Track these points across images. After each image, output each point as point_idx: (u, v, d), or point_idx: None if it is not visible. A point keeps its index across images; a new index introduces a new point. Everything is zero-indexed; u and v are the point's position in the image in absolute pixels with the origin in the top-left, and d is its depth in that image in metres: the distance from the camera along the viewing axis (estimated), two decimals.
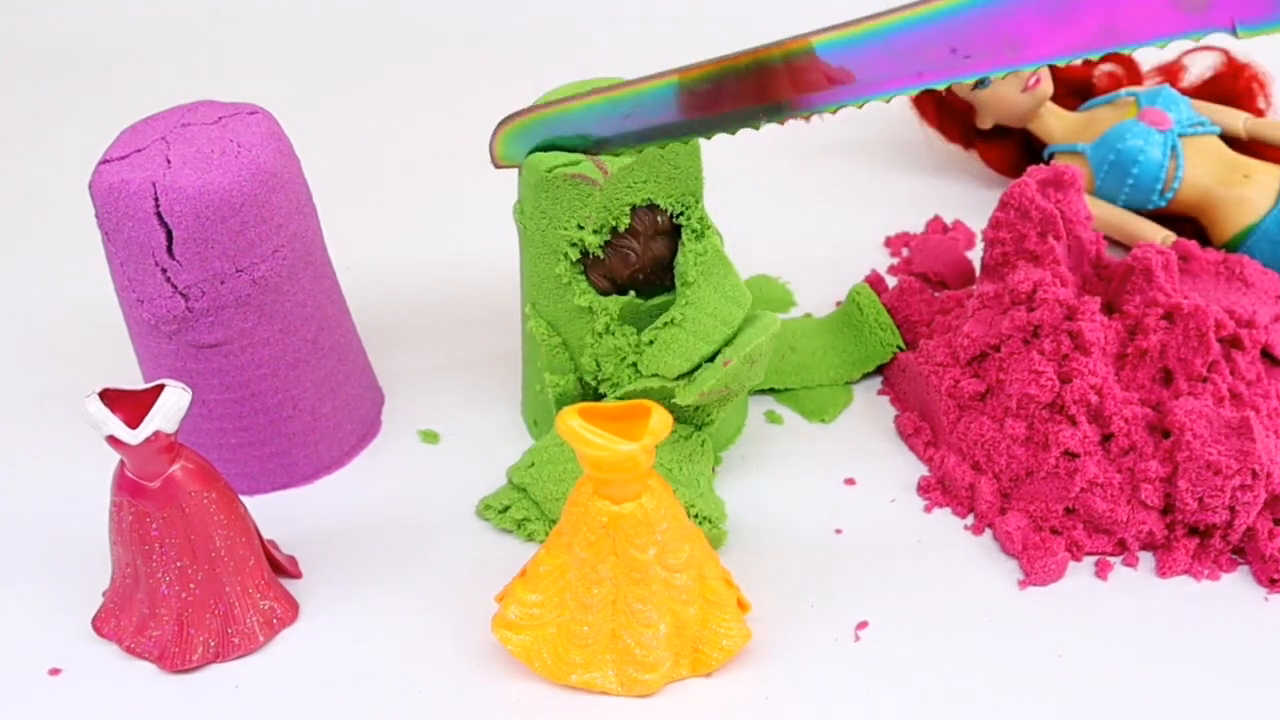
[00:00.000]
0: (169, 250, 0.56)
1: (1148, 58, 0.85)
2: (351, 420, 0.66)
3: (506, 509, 0.61)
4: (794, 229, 0.84)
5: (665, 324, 0.59)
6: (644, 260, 0.60)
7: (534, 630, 0.52)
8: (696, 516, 0.59)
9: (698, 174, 0.60)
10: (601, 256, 0.59)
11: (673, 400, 0.59)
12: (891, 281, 0.77)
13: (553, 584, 0.52)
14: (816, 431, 0.67)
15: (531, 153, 0.59)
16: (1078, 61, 0.45)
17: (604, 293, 0.61)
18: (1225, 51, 0.82)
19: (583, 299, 0.60)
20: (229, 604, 0.54)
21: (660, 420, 0.47)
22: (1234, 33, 0.33)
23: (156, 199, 0.55)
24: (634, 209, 0.59)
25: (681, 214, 0.60)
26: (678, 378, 0.59)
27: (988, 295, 0.64)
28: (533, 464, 0.61)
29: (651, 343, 0.60)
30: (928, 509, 0.61)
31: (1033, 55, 0.46)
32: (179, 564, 0.52)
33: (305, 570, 0.59)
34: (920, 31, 0.48)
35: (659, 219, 0.60)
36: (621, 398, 0.60)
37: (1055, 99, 0.82)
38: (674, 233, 0.61)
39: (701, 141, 0.61)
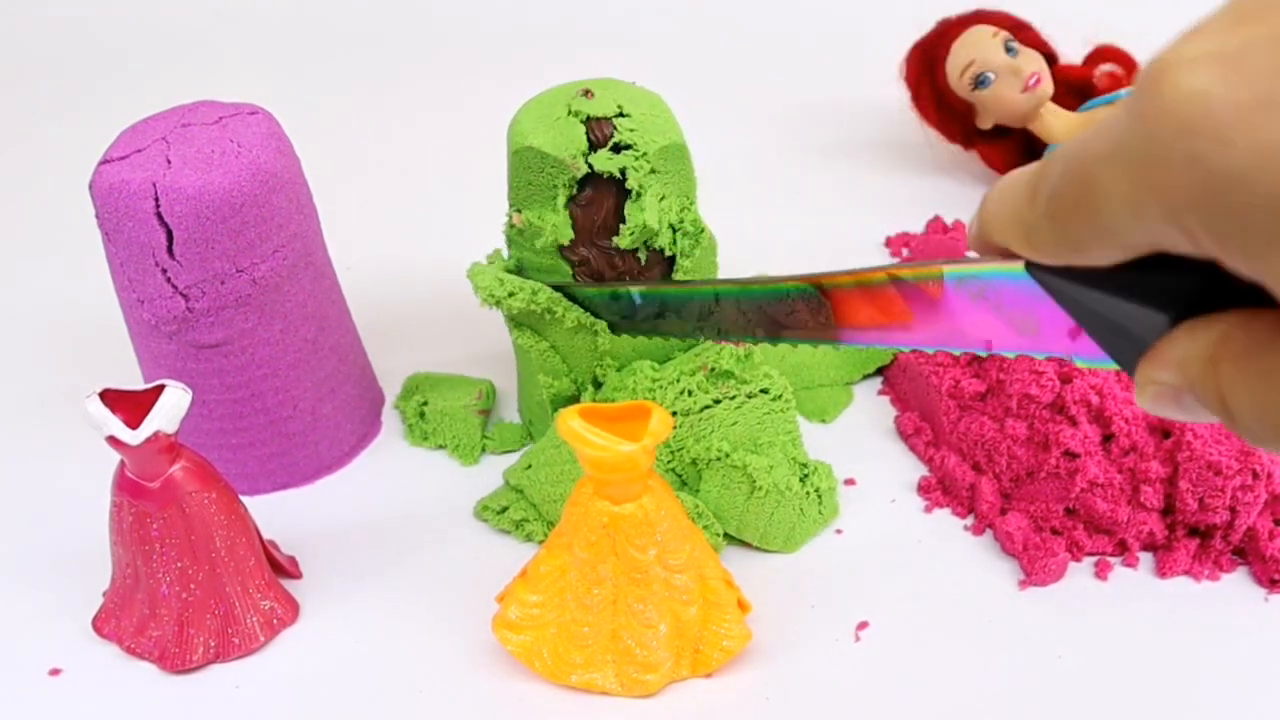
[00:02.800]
0: (169, 250, 0.56)
1: (1147, 57, 0.85)
2: (351, 420, 0.66)
3: (504, 510, 0.61)
4: (794, 229, 0.84)
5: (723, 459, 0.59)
6: (629, 262, 0.60)
7: (534, 630, 0.52)
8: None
9: (689, 175, 0.60)
10: (588, 256, 0.59)
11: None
12: None
13: (553, 584, 0.52)
14: (816, 431, 0.67)
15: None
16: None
17: None
18: None
19: (570, 318, 0.60)
20: (229, 604, 0.54)
21: (660, 421, 0.47)
22: (1072, 360, 0.34)
23: (157, 199, 0.55)
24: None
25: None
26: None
27: None
28: (530, 465, 0.61)
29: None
30: (928, 509, 0.61)
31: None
32: (179, 564, 0.52)
33: (305, 570, 0.59)
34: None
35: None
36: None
37: (1055, 99, 0.82)
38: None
39: (697, 139, 0.61)
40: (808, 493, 0.59)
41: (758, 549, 0.59)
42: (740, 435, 0.60)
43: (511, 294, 0.59)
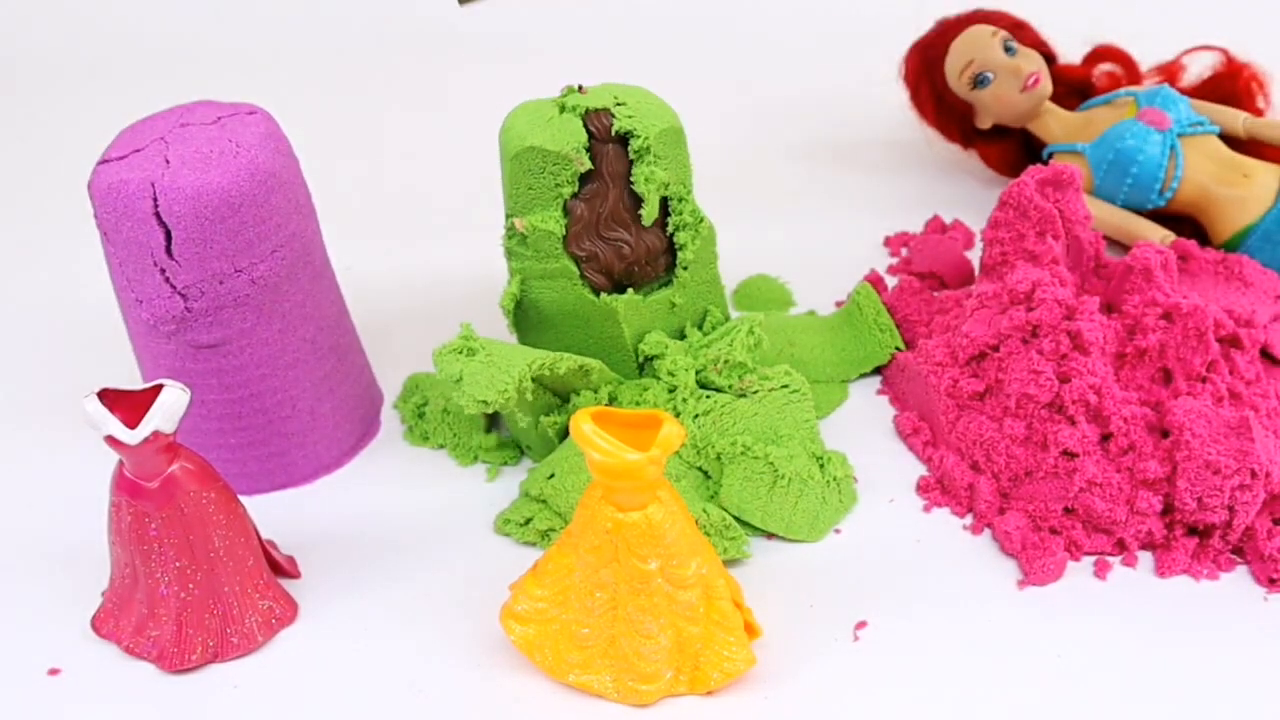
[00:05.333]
0: (168, 250, 0.56)
1: (1146, 57, 0.85)
2: (351, 420, 0.66)
3: (528, 521, 0.60)
4: (794, 229, 0.85)
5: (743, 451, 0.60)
6: (638, 252, 0.60)
7: (538, 624, 0.52)
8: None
9: (686, 163, 0.60)
10: (596, 251, 0.60)
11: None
12: (891, 281, 0.77)
13: (558, 582, 0.52)
14: None
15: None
16: None
17: (599, 289, 0.61)
18: (1224, 51, 0.82)
19: (563, 367, 0.59)
20: (228, 604, 0.54)
21: (672, 432, 0.47)
22: None
23: (155, 199, 0.55)
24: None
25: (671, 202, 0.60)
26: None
27: (987, 295, 0.64)
28: (553, 475, 0.60)
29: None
30: (927, 509, 0.61)
31: None
32: (178, 564, 0.52)
33: (304, 570, 0.59)
34: None
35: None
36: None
37: (1054, 99, 0.82)
38: (664, 224, 0.61)
39: (697, 140, 0.61)
40: (827, 481, 0.59)
41: (758, 548, 0.59)
42: (760, 427, 0.60)
43: (508, 396, 0.57)
